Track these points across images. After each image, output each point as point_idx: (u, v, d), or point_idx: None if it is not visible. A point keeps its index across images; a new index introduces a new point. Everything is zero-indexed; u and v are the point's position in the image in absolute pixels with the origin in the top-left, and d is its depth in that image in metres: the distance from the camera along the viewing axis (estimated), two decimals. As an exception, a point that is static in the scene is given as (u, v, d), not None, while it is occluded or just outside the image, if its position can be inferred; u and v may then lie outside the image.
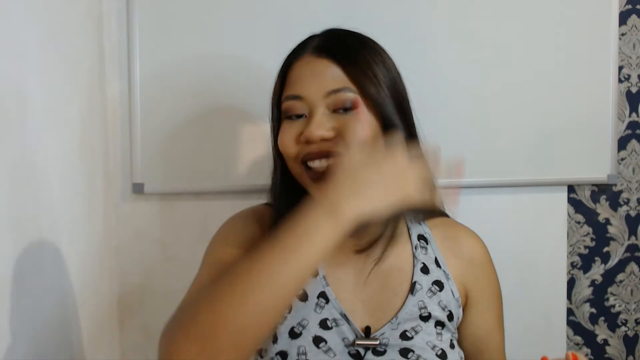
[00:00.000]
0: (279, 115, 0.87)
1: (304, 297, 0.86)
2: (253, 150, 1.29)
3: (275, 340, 0.85)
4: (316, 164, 0.81)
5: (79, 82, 1.13)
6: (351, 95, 0.81)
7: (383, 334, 0.84)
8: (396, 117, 0.84)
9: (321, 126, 0.81)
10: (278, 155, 0.88)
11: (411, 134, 0.86)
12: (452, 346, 0.86)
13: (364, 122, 0.79)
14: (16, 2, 0.86)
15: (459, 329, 0.92)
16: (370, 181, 0.68)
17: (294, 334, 0.83)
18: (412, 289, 0.86)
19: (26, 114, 0.87)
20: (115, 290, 1.31)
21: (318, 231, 0.66)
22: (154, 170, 1.29)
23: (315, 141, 0.81)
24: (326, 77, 0.82)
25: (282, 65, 0.89)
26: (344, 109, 0.82)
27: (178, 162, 1.29)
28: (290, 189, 0.88)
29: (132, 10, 1.26)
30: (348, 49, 0.85)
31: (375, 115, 0.82)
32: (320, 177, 0.81)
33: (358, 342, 0.83)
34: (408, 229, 0.91)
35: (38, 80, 0.93)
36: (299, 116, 0.83)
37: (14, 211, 0.82)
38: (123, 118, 1.29)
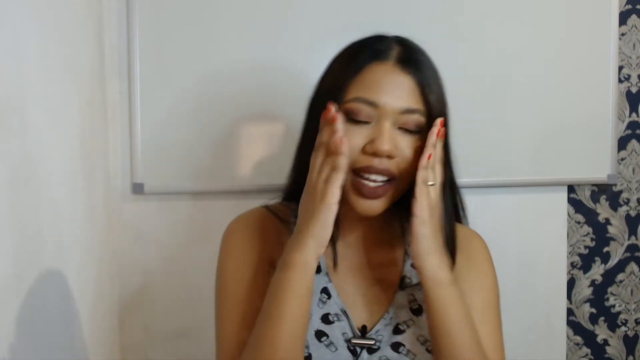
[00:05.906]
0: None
1: None
2: (253, 150, 1.29)
3: None
4: (372, 177, 0.80)
5: (79, 82, 1.13)
6: (422, 120, 0.82)
7: (378, 331, 0.86)
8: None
9: (391, 142, 0.80)
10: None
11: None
12: None
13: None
14: (16, 2, 0.86)
15: None
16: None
17: None
18: (402, 283, 0.88)
19: (26, 114, 0.87)
20: (116, 290, 1.31)
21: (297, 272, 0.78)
22: (154, 170, 1.29)
23: (382, 156, 0.80)
24: (407, 94, 0.81)
25: (354, 60, 0.84)
26: (408, 130, 0.82)
27: (178, 162, 1.29)
28: None
29: (132, 10, 1.26)
30: (428, 71, 0.84)
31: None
32: (368, 193, 0.81)
33: (354, 341, 0.84)
34: (403, 227, 0.90)
35: (38, 80, 0.93)
36: (362, 122, 0.81)
37: (14, 211, 0.82)
38: (123, 118, 1.29)
